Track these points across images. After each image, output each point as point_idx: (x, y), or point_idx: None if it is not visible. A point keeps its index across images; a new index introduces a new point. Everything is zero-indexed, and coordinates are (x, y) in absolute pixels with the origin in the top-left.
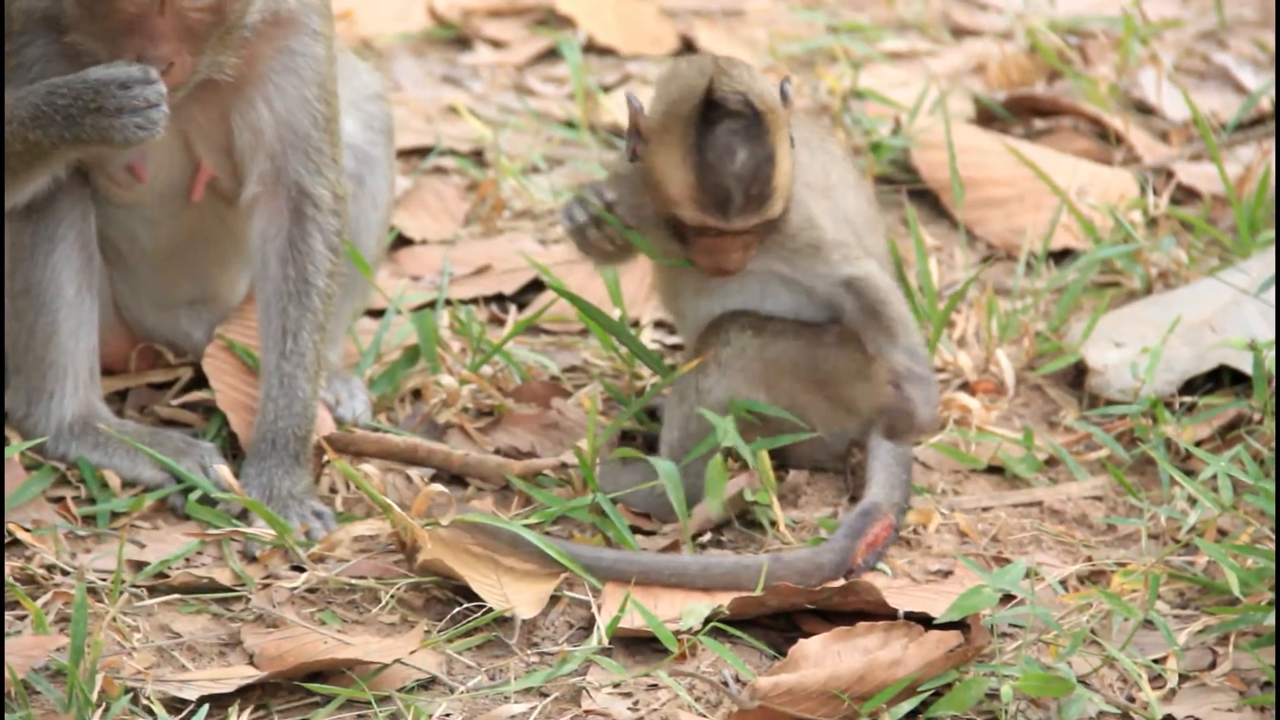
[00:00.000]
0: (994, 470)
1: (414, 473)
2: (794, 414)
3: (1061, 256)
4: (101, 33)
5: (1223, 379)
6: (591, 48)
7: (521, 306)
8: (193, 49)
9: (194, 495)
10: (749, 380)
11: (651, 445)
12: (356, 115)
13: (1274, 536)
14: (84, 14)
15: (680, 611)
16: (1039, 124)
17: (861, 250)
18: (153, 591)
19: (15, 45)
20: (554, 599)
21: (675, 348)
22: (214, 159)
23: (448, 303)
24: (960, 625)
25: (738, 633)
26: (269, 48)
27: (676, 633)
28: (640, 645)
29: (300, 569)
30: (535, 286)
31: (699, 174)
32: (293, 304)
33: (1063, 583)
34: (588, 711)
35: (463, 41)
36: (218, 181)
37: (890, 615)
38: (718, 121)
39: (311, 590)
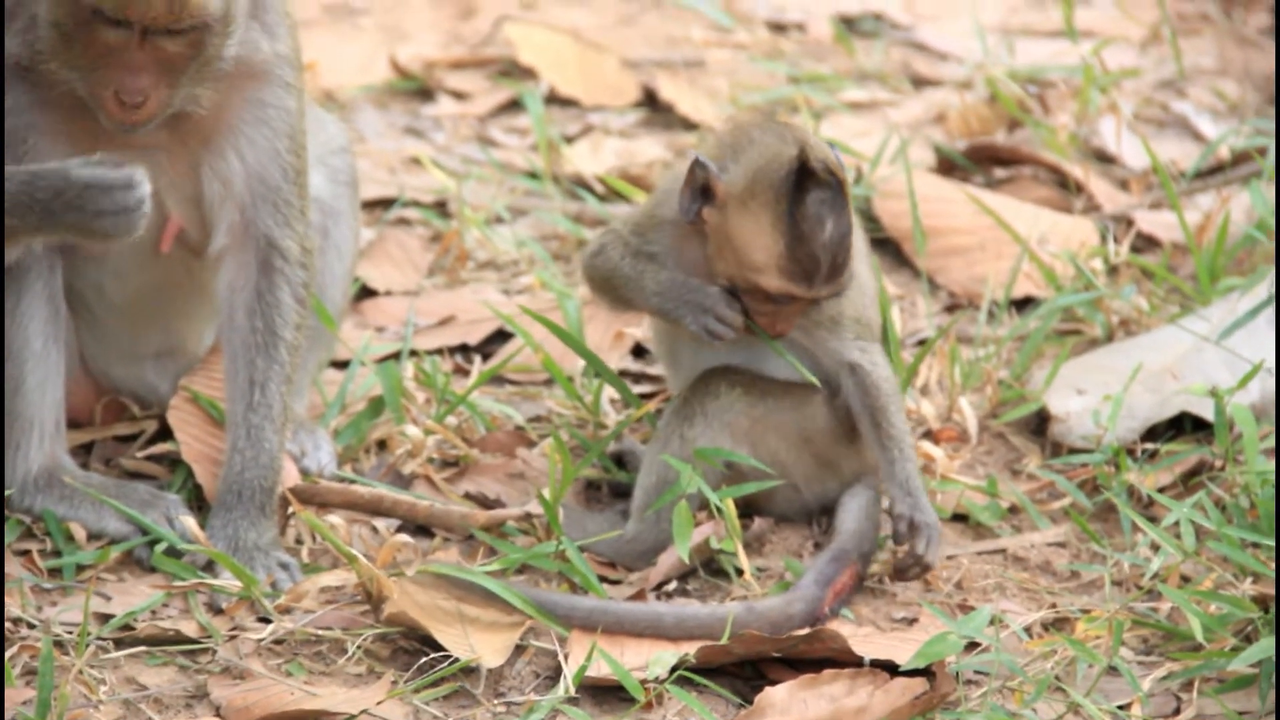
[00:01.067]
0: (958, 518)
1: (380, 523)
2: (777, 471)
3: (1023, 304)
4: (80, 63)
5: (1184, 426)
6: (554, 99)
7: (486, 357)
8: (169, 82)
9: (160, 547)
10: (734, 435)
11: (617, 493)
12: (322, 169)
13: (1240, 581)
14: (62, 44)
15: (647, 660)
16: (999, 173)
17: (872, 334)
18: (119, 644)
19: None
20: (520, 648)
21: (645, 396)
22: (183, 210)
23: (412, 353)
24: (925, 672)
25: (704, 681)
26: (239, 98)
27: (643, 681)
28: (607, 694)
29: (266, 620)
30: (499, 337)
31: (790, 243)
32: (260, 356)
33: (1027, 629)
34: None
35: (425, 93)
36: (185, 233)
37: (856, 663)
38: (809, 191)
39: (278, 641)
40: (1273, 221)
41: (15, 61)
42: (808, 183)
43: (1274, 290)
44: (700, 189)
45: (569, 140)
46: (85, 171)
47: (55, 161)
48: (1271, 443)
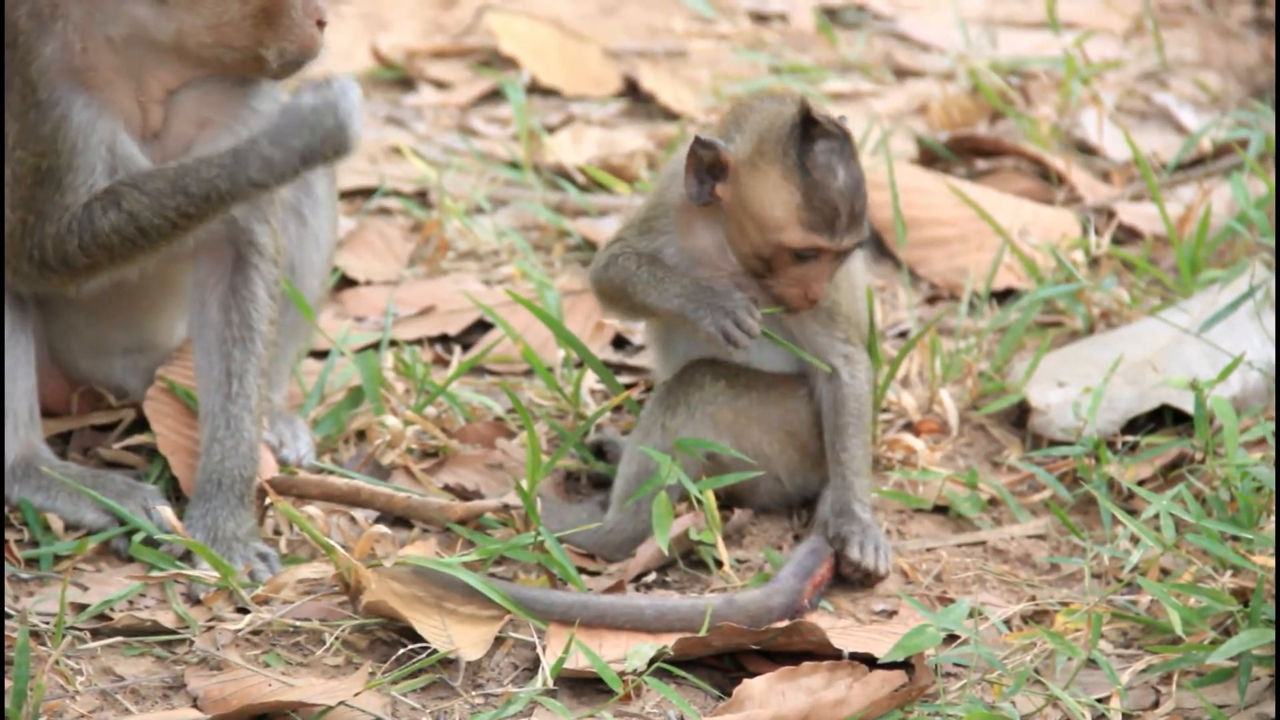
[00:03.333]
0: (939, 510)
1: (358, 514)
2: (760, 463)
3: (1004, 296)
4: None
5: (1165, 418)
6: (535, 89)
7: (466, 347)
8: None
9: (138, 537)
10: (717, 426)
11: (597, 483)
12: None
13: (1219, 574)
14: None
15: (625, 653)
16: (981, 164)
17: (860, 332)
18: (96, 635)
19: (53, 116)
20: (498, 640)
21: (627, 387)
22: None
23: (392, 343)
24: (904, 665)
25: (683, 673)
26: (238, 93)
27: (621, 674)
28: (585, 686)
29: (244, 611)
30: (479, 327)
31: (806, 192)
32: (237, 348)
33: (1006, 622)
34: None
35: (406, 83)
36: None
37: (835, 655)
38: (816, 140)
39: (256, 632)
40: (1253, 214)
41: (61, 66)
42: (814, 132)
43: (1274, 277)
44: (709, 167)
45: (550, 130)
46: (319, 97)
47: (273, 117)
48: (1251, 435)
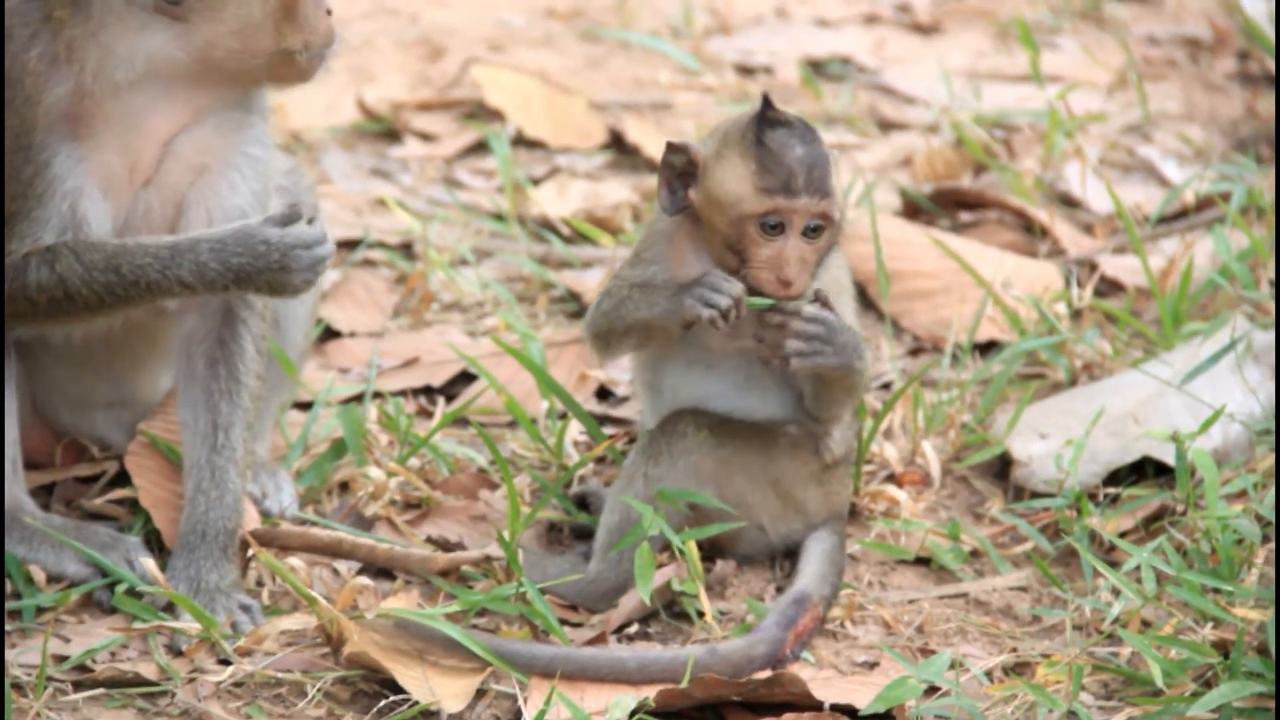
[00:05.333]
0: (920, 561)
1: (341, 565)
2: (742, 512)
3: (987, 348)
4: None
5: (1146, 470)
6: (520, 141)
7: (450, 399)
8: None
9: (120, 589)
10: (699, 476)
11: (579, 535)
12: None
13: (1200, 626)
14: None
15: (607, 704)
16: (965, 217)
17: None
18: (78, 686)
19: (36, 161)
20: (480, 692)
21: (610, 437)
22: None
23: (376, 395)
24: (886, 716)
25: None
26: (232, 140)
27: None
28: None
29: (226, 663)
30: (463, 379)
31: (760, 161)
32: (224, 401)
33: (988, 674)
34: None
35: (392, 134)
36: None
37: (816, 707)
38: (776, 126)
39: (238, 684)
40: (1235, 267)
41: (62, 112)
42: (773, 119)
43: (1275, 314)
44: (680, 174)
45: (535, 182)
46: (285, 234)
47: (231, 226)
48: (1232, 488)
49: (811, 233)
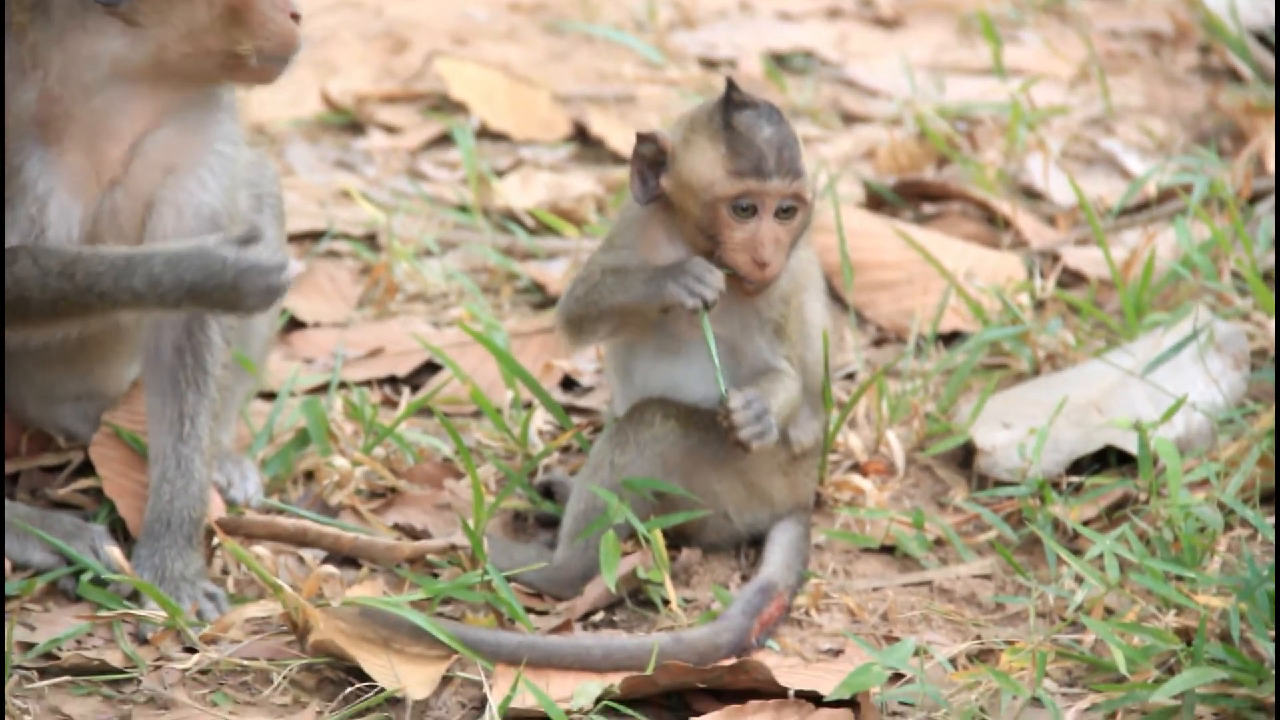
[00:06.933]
0: (885, 550)
1: (306, 554)
2: (708, 501)
3: (950, 339)
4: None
5: (1109, 459)
6: (484, 133)
7: (414, 388)
8: None
9: (85, 577)
10: (666, 465)
11: (544, 523)
12: (248, 194)
13: (1163, 613)
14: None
15: (572, 691)
16: (928, 208)
17: (811, 379)
18: (43, 674)
19: (11, 164)
20: (446, 679)
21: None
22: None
23: (341, 385)
24: (850, 703)
25: (630, 712)
26: (200, 138)
27: (569, 712)
28: None
29: (192, 650)
30: (428, 369)
31: (730, 144)
32: (191, 390)
33: (952, 661)
34: None
35: (356, 127)
36: None
37: (781, 694)
38: (743, 109)
39: (203, 672)
40: (1196, 258)
41: (31, 116)
42: (739, 102)
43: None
44: (651, 163)
45: (499, 174)
46: (241, 255)
47: (189, 242)
48: (1195, 476)
49: (784, 214)
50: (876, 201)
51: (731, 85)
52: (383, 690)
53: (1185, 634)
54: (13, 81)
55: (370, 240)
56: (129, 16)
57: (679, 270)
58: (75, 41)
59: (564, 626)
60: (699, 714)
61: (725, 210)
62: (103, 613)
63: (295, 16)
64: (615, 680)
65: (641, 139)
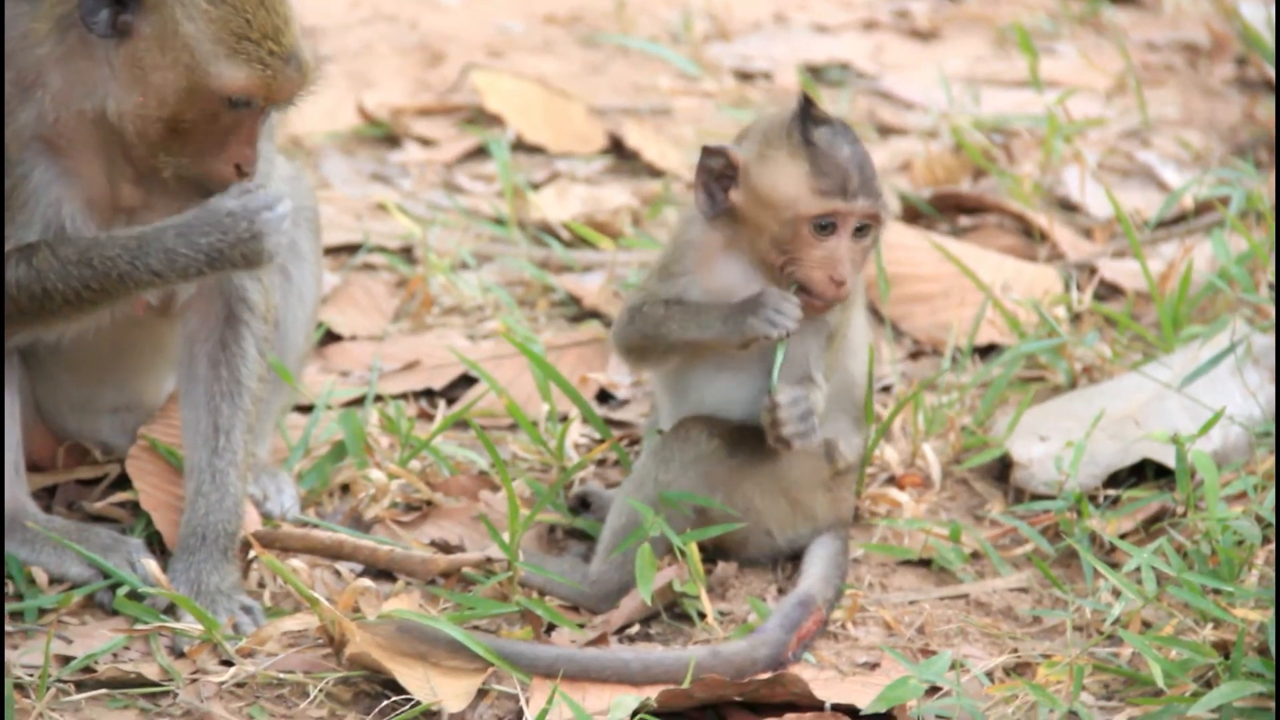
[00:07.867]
0: (922, 563)
1: (342, 567)
2: (751, 518)
3: (987, 351)
4: (200, 147)
5: (1146, 472)
6: (520, 146)
7: (450, 401)
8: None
9: (122, 591)
10: (709, 483)
11: (578, 537)
12: None
13: (1200, 626)
14: (180, 133)
15: (608, 704)
16: (964, 221)
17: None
18: (80, 687)
19: (15, 174)
20: (482, 692)
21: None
22: None
23: (377, 398)
24: (887, 717)
25: None
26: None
27: None
28: None
29: (228, 663)
30: (464, 382)
31: (813, 161)
32: (225, 403)
33: (988, 674)
34: None
35: (392, 140)
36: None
37: (817, 707)
38: (819, 124)
39: (239, 685)
40: (1234, 270)
41: (35, 134)
42: (816, 117)
43: (1275, 315)
44: (718, 176)
45: (535, 187)
46: (244, 201)
47: (191, 209)
48: (1232, 489)
49: (859, 232)
50: (913, 214)
51: (808, 99)
52: (419, 703)
53: (1223, 647)
54: (15, 97)
55: (406, 253)
56: (121, 59)
57: (756, 304)
58: (77, 67)
59: (600, 639)
60: None
61: (806, 229)
62: (139, 626)
63: (241, 172)
64: (651, 693)
65: (709, 152)
